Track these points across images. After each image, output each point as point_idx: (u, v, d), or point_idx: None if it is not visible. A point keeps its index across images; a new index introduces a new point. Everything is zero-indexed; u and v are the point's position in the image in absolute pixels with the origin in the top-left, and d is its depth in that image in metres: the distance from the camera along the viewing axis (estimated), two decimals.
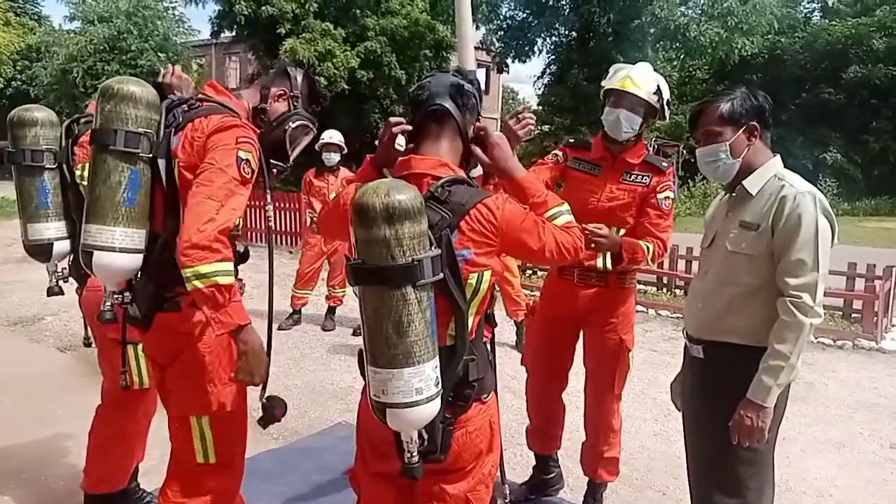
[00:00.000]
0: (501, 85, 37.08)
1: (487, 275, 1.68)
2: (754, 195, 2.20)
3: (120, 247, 1.99)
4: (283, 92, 2.32)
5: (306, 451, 3.89)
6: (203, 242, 1.84)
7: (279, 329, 6.61)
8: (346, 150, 6.67)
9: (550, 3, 23.66)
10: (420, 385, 1.47)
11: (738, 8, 21.12)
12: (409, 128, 1.84)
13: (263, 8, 20.86)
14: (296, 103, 2.34)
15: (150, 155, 2.03)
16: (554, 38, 24.70)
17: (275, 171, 2.36)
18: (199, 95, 2.22)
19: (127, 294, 2.11)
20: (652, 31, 22.00)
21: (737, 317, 2.20)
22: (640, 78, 2.84)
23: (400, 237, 1.42)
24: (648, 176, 2.92)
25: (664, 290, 8.48)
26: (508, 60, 24.70)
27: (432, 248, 1.50)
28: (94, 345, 2.96)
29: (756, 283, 2.16)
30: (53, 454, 3.68)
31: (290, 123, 2.31)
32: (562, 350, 3.15)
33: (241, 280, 2.29)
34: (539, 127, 25.41)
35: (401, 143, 1.86)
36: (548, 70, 24.97)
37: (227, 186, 1.95)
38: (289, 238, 11.98)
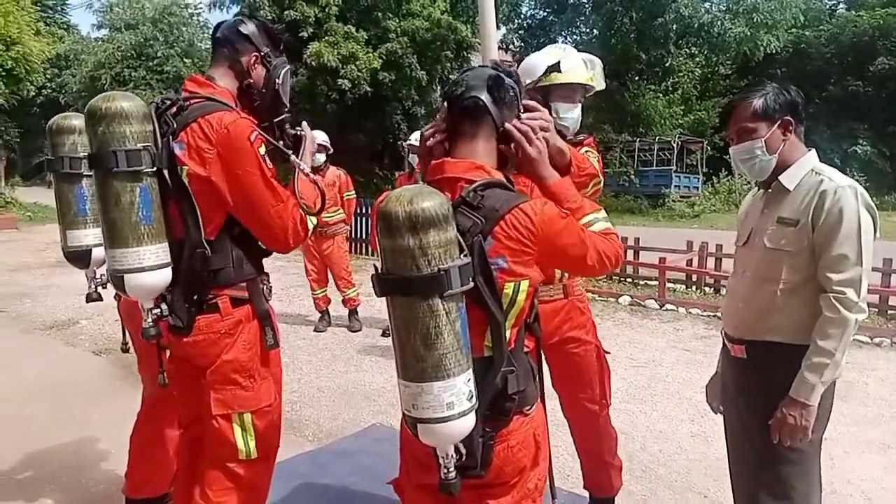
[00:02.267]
0: None
1: (525, 284, 1.58)
2: (791, 190, 2.16)
3: (149, 265, 2.00)
4: (255, 56, 2.24)
5: (341, 453, 3.89)
6: (297, 242, 2.12)
7: (315, 331, 6.68)
8: (332, 150, 6.69)
9: (572, 1, 23.59)
10: (451, 399, 1.42)
11: (763, 4, 20.90)
12: (442, 127, 1.77)
13: (286, 12, 21.02)
14: (269, 59, 2.27)
15: (154, 168, 2.02)
16: (575, 37, 24.66)
17: (288, 131, 2.37)
18: (185, 93, 2.18)
19: (164, 306, 2.11)
20: (675, 27, 21.86)
21: (779, 315, 2.15)
22: (565, 66, 2.59)
23: (425, 246, 1.37)
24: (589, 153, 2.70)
25: (694, 287, 8.38)
26: None
27: (462, 256, 1.44)
28: (132, 350, 2.98)
29: (797, 280, 2.12)
30: (91, 458, 3.71)
31: (277, 80, 2.28)
32: None
33: (267, 275, 2.30)
34: None
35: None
36: None
37: (270, 191, 2.06)
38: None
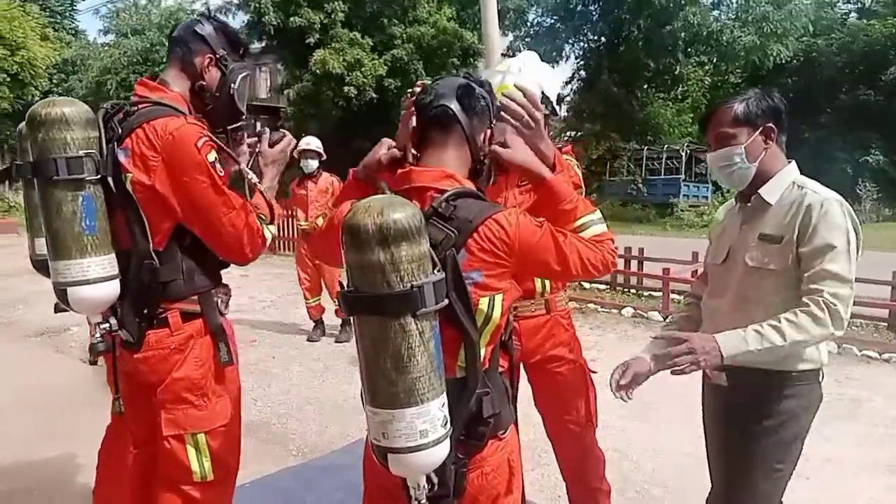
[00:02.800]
0: None
1: (500, 299, 1.50)
2: (773, 205, 2.02)
3: (93, 278, 1.91)
4: (209, 58, 2.13)
5: (328, 468, 3.77)
6: (255, 252, 2.05)
7: (308, 340, 6.57)
8: (324, 157, 6.59)
9: (579, 8, 23.55)
10: (425, 427, 1.31)
11: (773, 13, 20.77)
12: (397, 153, 1.71)
13: (292, 19, 21.05)
14: (225, 62, 2.15)
15: (98, 176, 1.92)
16: (582, 44, 24.61)
17: (239, 134, 2.28)
18: (134, 98, 2.08)
19: (113, 321, 2.02)
20: (683, 36, 21.74)
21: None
22: (519, 86, 2.52)
23: (396, 261, 1.27)
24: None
25: None
26: None
27: (435, 271, 1.34)
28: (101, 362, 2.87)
29: (782, 301, 1.96)
30: (67, 473, 3.60)
31: (233, 85, 2.17)
32: None
33: (225, 287, 2.21)
34: (567, 133, 25.26)
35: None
36: (576, 76, 24.81)
37: (221, 199, 1.97)
38: (281, 243, 12.56)
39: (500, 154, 1.66)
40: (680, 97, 25.20)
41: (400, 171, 1.63)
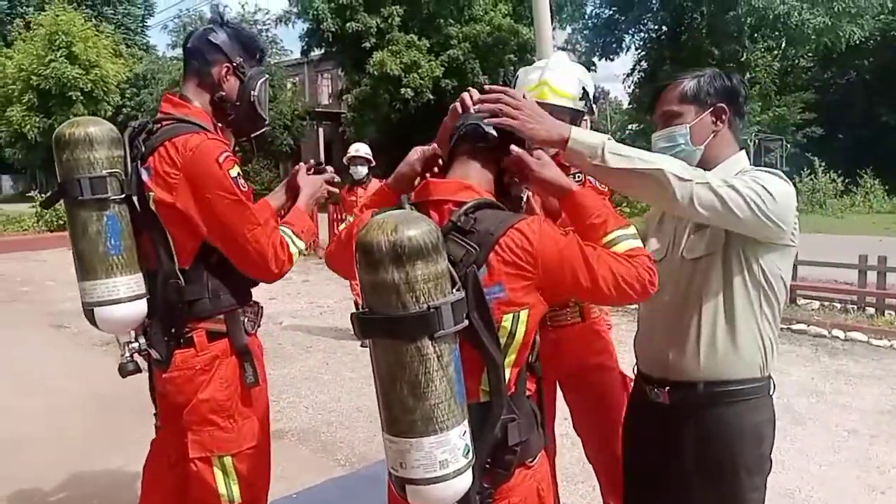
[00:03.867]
0: None
1: (524, 315, 1.40)
2: None
3: (119, 297, 1.92)
4: (227, 67, 2.07)
5: (374, 479, 3.70)
6: (281, 268, 1.98)
7: (361, 346, 6.51)
8: (374, 163, 6.62)
9: None
10: (445, 457, 1.23)
11: None
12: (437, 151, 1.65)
13: (349, 24, 21.30)
14: (243, 69, 2.08)
15: (123, 195, 1.92)
16: (643, 34, 24.04)
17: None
18: (159, 115, 2.06)
19: (142, 340, 2.02)
20: (749, 20, 20.92)
21: (713, 347, 1.79)
22: (558, 82, 2.36)
23: (411, 281, 1.19)
24: (581, 173, 2.44)
25: None
26: (595, 59, 24.12)
27: (454, 290, 1.26)
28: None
29: (725, 291, 1.77)
30: (125, 481, 3.68)
31: (253, 92, 2.10)
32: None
33: (256, 304, 2.18)
34: (630, 126, 24.71)
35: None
36: (637, 67, 24.24)
37: (244, 214, 1.92)
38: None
39: (529, 165, 1.55)
40: (747, 84, 24.27)
41: (419, 183, 1.58)
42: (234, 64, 2.07)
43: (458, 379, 1.26)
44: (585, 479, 3.46)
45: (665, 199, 1.64)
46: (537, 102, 2.18)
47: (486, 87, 1.64)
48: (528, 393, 1.52)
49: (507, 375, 1.41)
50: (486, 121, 1.54)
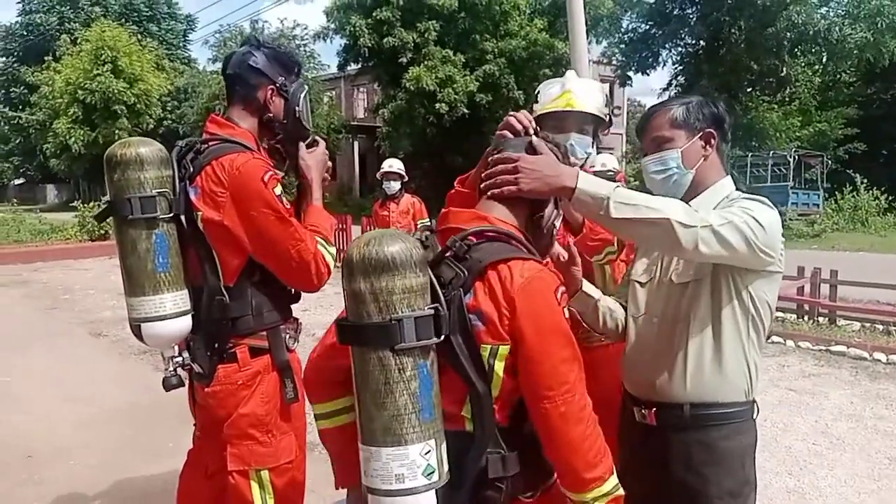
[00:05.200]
0: (627, 98, 36.10)
1: (504, 351, 1.36)
2: None
3: (166, 314, 1.98)
4: (271, 89, 2.12)
5: None
6: (322, 280, 2.04)
7: None
8: (406, 178, 6.69)
9: (675, 12, 22.83)
10: (402, 471, 1.24)
11: (889, 7, 19.37)
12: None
13: (386, 39, 21.54)
14: (286, 88, 2.13)
15: (171, 214, 1.98)
16: (680, 49, 23.81)
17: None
18: (205, 136, 2.11)
19: (186, 355, 2.07)
20: (789, 36, 20.63)
21: (700, 370, 1.80)
22: (582, 91, 2.37)
23: (377, 291, 1.25)
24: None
25: (806, 318, 7.68)
26: (631, 73, 23.99)
27: (426, 308, 1.28)
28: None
29: (714, 316, 1.78)
30: (160, 489, 3.72)
31: (297, 108, 2.16)
32: None
33: (297, 320, 2.23)
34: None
35: None
36: (674, 82, 24.03)
37: (288, 231, 1.98)
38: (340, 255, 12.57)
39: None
40: (787, 100, 23.88)
41: (443, 210, 1.60)
42: (277, 84, 2.12)
43: (424, 396, 1.26)
44: None
45: (670, 245, 1.66)
46: (538, 117, 2.23)
47: (491, 158, 1.62)
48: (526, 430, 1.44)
49: (495, 406, 1.38)
50: (488, 193, 1.54)
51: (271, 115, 2.15)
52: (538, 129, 1.75)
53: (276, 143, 2.23)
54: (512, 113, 1.79)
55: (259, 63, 2.11)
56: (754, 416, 1.87)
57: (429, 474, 1.26)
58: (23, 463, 4.06)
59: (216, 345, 2.06)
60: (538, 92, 2.46)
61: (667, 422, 1.86)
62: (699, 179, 1.86)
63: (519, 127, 1.69)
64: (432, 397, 1.28)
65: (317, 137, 2.28)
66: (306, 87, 2.23)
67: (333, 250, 2.14)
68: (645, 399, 1.92)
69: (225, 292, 2.02)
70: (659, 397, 1.87)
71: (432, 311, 1.28)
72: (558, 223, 1.73)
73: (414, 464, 1.25)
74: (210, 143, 2.06)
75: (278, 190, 1.99)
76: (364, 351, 1.26)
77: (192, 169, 2.01)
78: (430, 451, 1.27)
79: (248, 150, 2.04)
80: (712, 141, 1.86)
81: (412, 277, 1.27)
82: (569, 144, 2.25)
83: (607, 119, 2.44)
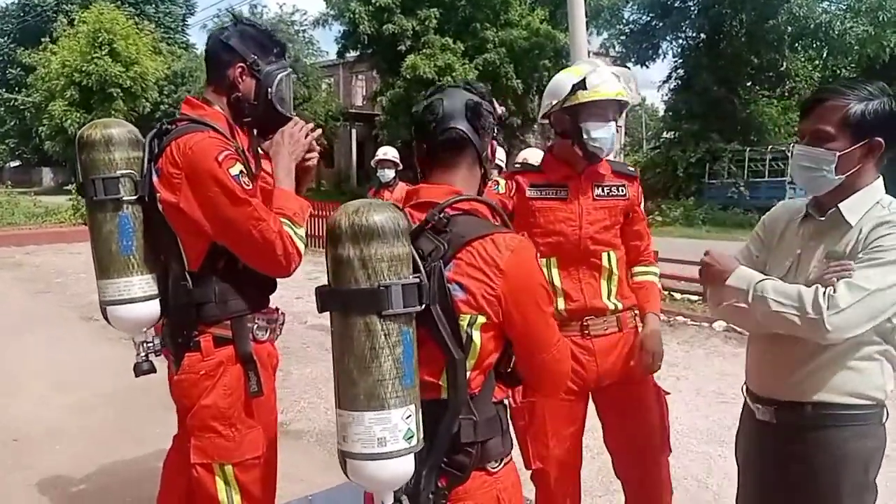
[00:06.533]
0: None
1: (481, 321, 1.41)
2: (852, 225, 1.75)
3: (133, 297, 1.94)
4: (240, 68, 2.03)
5: None
6: (291, 262, 1.94)
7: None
8: (401, 166, 6.62)
9: (677, 4, 22.75)
10: (384, 435, 1.27)
11: (891, 1, 19.31)
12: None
13: (386, 26, 21.42)
14: (257, 66, 2.04)
15: (136, 196, 1.92)
16: (680, 41, 23.78)
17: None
18: (178, 115, 2.05)
19: (157, 340, 2.02)
20: (789, 29, 20.58)
21: (822, 369, 1.77)
22: (626, 81, 2.35)
23: (365, 258, 1.28)
24: (624, 186, 2.47)
25: None
26: (630, 65, 23.93)
27: (411, 276, 1.32)
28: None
29: None
30: (142, 475, 3.70)
31: (270, 89, 2.06)
32: (575, 437, 2.47)
33: (276, 311, 2.16)
34: (664, 134, 24.43)
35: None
36: (674, 74, 23.98)
37: (247, 211, 1.88)
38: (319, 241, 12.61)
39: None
40: (786, 94, 23.84)
41: (408, 188, 1.61)
42: (248, 63, 2.04)
43: (406, 362, 1.30)
44: (604, 494, 3.41)
45: (796, 332, 1.71)
46: (577, 105, 2.28)
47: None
48: (495, 399, 1.51)
49: (468, 375, 1.42)
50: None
51: (240, 94, 2.05)
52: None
53: (247, 127, 2.14)
54: None
55: (230, 39, 2.03)
56: (884, 421, 1.82)
57: (408, 438, 1.30)
58: (9, 447, 4.05)
59: (184, 331, 2.00)
60: (559, 82, 2.36)
61: (788, 420, 1.84)
62: (848, 182, 1.76)
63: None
64: (413, 364, 1.32)
65: (295, 117, 2.16)
66: (287, 69, 2.13)
67: (302, 231, 2.01)
68: (766, 397, 1.90)
69: (189, 277, 1.95)
70: (781, 395, 1.85)
71: (417, 280, 1.32)
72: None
73: (396, 427, 1.28)
74: (177, 124, 1.98)
75: (235, 170, 1.88)
76: (350, 316, 1.28)
77: (156, 150, 1.95)
78: (410, 415, 1.31)
79: (210, 129, 1.95)
80: (875, 151, 1.75)
81: (399, 246, 1.30)
82: (614, 133, 2.34)
83: (627, 100, 2.39)
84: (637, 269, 2.57)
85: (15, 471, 3.75)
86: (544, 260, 2.36)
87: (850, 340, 1.70)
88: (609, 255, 2.43)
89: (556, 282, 2.39)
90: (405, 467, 1.31)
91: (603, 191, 2.44)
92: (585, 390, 2.44)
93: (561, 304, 2.36)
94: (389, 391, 1.28)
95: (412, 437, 1.30)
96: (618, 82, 2.30)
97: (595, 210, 2.41)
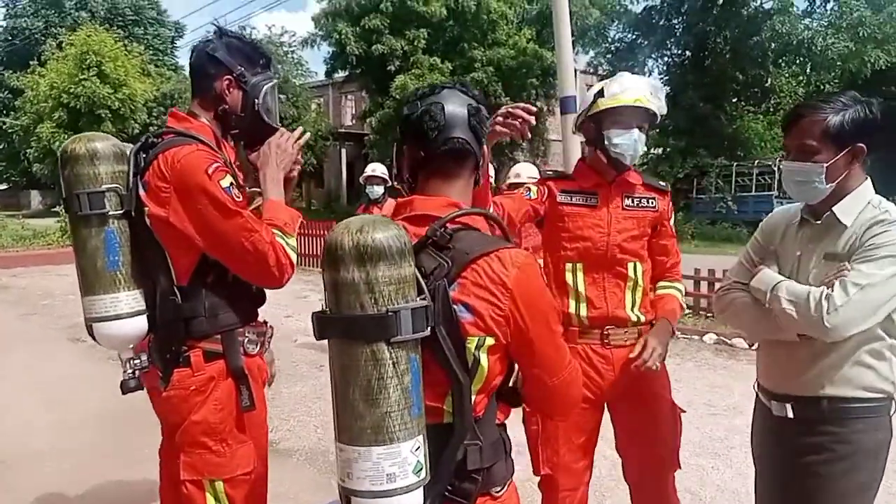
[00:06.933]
0: None
1: (489, 343, 1.33)
2: (848, 226, 1.86)
3: (119, 313, 1.89)
4: (227, 80, 2.02)
5: None
6: (283, 272, 1.91)
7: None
8: (390, 183, 6.62)
9: (661, 22, 23.04)
10: (393, 470, 1.19)
11: (870, 18, 19.62)
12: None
13: (374, 47, 21.55)
14: (244, 78, 2.03)
15: (122, 210, 1.90)
16: (666, 59, 24.03)
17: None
18: (164, 129, 2.02)
19: (144, 357, 1.99)
20: (773, 46, 20.86)
21: (837, 366, 1.87)
22: (651, 91, 2.39)
23: (372, 282, 1.18)
24: (654, 199, 2.50)
25: None
26: None
27: (419, 298, 1.23)
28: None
29: None
30: (131, 495, 3.67)
31: (257, 101, 2.05)
32: (586, 447, 2.47)
33: (264, 324, 2.14)
34: (653, 150, 24.61)
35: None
36: None
37: (238, 223, 1.86)
38: (314, 260, 12.78)
39: None
40: (771, 109, 24.11)
41: (400, 200, 1.52)
42: (235, 75, 2.03)
43: (414, 391, 1.22)
44: (607, 496, 3.40)
45: (803, 330, 1.84)
46: (599, 113, 2.36)
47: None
48: (497, 422, 1.45)
49: (473, 398, 1.35)
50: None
51: (227, 107, 2.05)
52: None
53: (235, 140, 2.13)
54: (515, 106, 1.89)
55: (217, 51, 2.02)
56: (891, 413, 1.92)
57: (418, 471, 1.23)
58: None
59: (172, 347, 1.96)
60: (601, 89, 2.40)
61: (805, 415, 1.93)
62: (840, 187, 1.87)
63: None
64: (420, 392, 1.25)
65: (282, 127, 2.15)
66: (273, 80, 2.12)
67: (293, 242, 1.98)
68: (782, 393, 1.99)
69: (177, 292, 1.92)
70: (797, 391, 1.94)
71: (426, 303, 1.24)
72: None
73: (405, 461, 1.20)
74: (164, 138, 1.96)
75: (226, 182, 1.87)
76: (355, 344, 1.20)
77: (142, 164, 1.92)
78: (419, 447, 1.23)
79: (198, 142, 1.93)
80: (860, 156, 1.87)
81: (405, 267, 1.21)
82: (637, 140, 2.36)
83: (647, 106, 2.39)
84: (661, 283, 2.57)
85: (1, 493, 3.69)
86: (570, 265, 2.40)
87: (858, 337, 1.80)
88: (635, 265, 2.45)
89: (581, 288, 2.40)
90: (414, 501, 1.24)
91: (633, 201, 2.47)
92: (601, 400, 2.44)
93: (584, 310, 2.38)
94: (399, 423, 1.19)
95: (421, 469, 1.24)
96: (639, 91, 2.33)
97: (624, 219, 2.44)
